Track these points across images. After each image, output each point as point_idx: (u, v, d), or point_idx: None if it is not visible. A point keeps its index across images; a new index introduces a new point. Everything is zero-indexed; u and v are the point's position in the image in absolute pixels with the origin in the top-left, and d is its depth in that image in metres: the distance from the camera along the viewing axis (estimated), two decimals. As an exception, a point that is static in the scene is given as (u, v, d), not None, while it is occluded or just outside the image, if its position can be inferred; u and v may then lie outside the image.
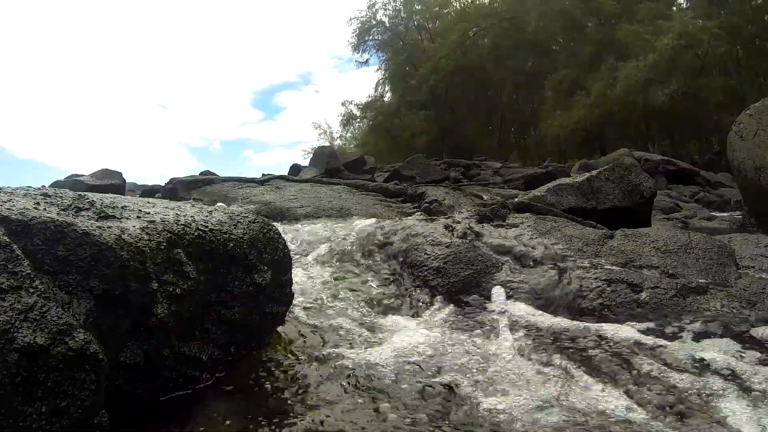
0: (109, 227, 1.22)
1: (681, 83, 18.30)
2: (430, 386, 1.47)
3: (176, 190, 6.26)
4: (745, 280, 2.33)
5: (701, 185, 10.65)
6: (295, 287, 1.88)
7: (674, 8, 22.16)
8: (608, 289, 2.26)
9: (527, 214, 3.33)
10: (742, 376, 1.52)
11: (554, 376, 1.56)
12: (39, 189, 1.33)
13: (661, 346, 1.77)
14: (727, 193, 9.33)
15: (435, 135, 27.79)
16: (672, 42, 17.72)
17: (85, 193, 1.40)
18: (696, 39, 17.89)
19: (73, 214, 1.23)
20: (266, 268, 1.61)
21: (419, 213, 4.37)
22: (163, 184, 7.34)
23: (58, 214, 1.18)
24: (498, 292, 2.32)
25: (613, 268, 2.44)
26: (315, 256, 2.98)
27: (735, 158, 4.22)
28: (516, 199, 3.83)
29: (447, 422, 1.29)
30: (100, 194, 1.49)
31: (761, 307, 2.08)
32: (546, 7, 23.48)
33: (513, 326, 2.01)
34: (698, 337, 1.86)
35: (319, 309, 2.18)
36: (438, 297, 2.33)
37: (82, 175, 8.39)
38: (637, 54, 18.81)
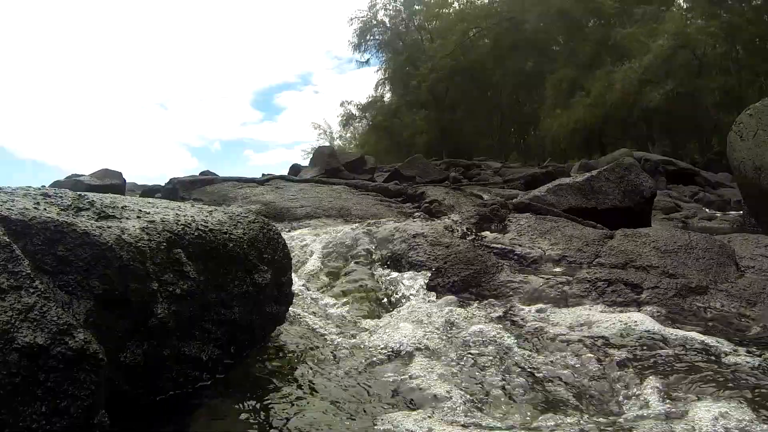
0: (109, 227, 1.22)
1: (677, 83, 18.29)
2: (425, 382, 1.47)
3: (176, 190, 6.25)
4: (745, 280, 2.33)
5: (701, 185, 10.65)
6: (294, 287, 1.88)
7: (674, 8, 22.13)
8: (608, 289, 2.27)
9: (527, 214, 3.33)
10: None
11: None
12: (39, 189, 1.33)
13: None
14: (727, 193, 9.33)
15: (435, 135, 27.77)
16: (667, 43, 17.74)
17: (85, 193, 1.39)
18: (691, 39, 17.90)
19: (73, 214, 1.23)
20: (266, 268, 1.61)
21: (419, 213, 4.37)
22: (163, 184, 7.32)
23: (58, 214, 1.18)
24: (498, 293, 2.32)
25: (613, 268, 2.44)
26: (314, 256, 2.97)
27: (735, 158, 4.23)
28: (516, 199, 3.83)
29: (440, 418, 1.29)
30: (100, 194, 1.48)
31: (761, 307, 2.08)
32: (545, 7, 23.48)
33: (511, 328, 2.01)
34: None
35: (318, 309, 2.18)
36: (438, 297, 2.33)
37: (82, 175, 8.41)
38: (635, 55, 18.82)
